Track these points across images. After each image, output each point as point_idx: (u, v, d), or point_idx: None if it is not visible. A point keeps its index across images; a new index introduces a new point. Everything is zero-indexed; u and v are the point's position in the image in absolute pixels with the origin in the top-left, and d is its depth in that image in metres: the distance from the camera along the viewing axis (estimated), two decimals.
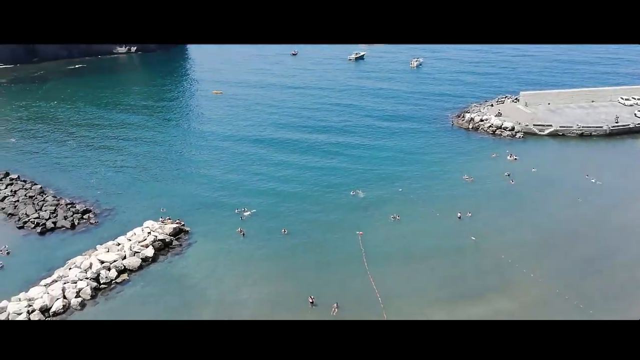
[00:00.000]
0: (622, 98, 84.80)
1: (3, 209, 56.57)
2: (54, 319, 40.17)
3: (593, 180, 59.47)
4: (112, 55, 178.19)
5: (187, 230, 51.79)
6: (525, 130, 75.84)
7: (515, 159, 66.39)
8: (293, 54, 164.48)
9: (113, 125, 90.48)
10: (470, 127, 79.27)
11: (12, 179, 64.18)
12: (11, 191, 60.43)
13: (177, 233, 51.09)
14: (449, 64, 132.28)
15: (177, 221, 52.60)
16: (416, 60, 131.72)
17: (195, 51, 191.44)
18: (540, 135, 75.10)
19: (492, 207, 54.59)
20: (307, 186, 60.01)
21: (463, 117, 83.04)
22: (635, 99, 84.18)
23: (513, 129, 75.99)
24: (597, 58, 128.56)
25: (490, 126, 77.52)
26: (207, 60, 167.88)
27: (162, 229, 50.72)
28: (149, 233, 49.97)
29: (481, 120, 79.25)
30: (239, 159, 69.98)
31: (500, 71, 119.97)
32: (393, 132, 78.88)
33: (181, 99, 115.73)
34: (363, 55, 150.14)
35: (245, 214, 53.79)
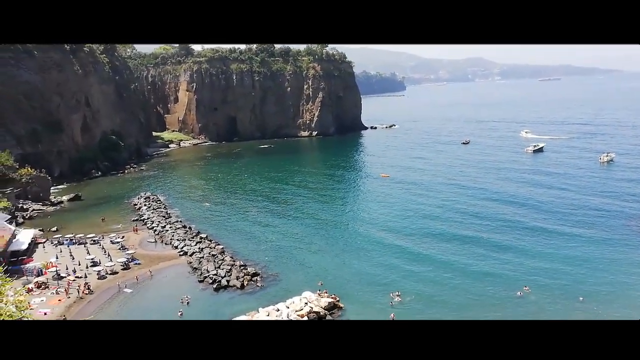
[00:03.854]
0: None
1: (190, 263, 64.99)
2: None
3: None
4: (296, 138, 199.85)
5: (341, 307, 52.20)
6: None
7: None
8: (464, 143, 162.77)
9: (288, 199, 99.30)
10: None
11: (201, 238, 74.03)
12: (199, 248, 69.39)
13: (332, 308, 51.82)
14: None
15: (333, 296, 53.55)
16: (606, 156, 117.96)
17: (368, 135, 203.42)
18: None
19: None
20: (465, 279, 56.13)
21: None
22: None
23: None
24: None
25: None
26: (378, 143, 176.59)
27: (317, 302, 52.10)
28: (306, 304, 51.69)
29: None
30: (399, 244, 69.56)
31: None
32: (575, 231, 70.23)
33: (351, 179, 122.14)
34: (542, 147, 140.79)
35: (397, 299, 52.28)
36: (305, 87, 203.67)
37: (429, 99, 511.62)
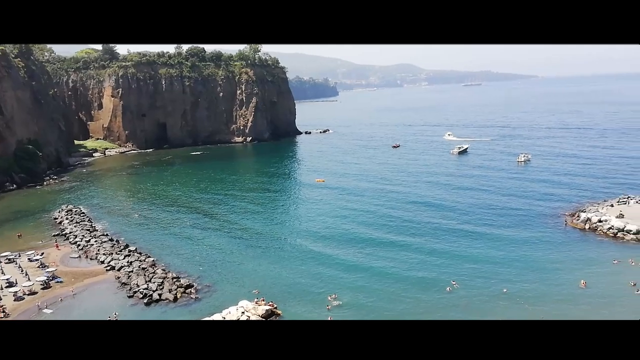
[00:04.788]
0: None
1: (118, 277, 61.77)
2: None
3: None
4: (230, 144, 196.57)
5: (279, 314, 51.86)
6: None
7: None
8: (395, 147, 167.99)
9: (221, 209, 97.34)
10: (587, 227, 72.42)
11: (130, 251, 70.61)
12: (128, 262, 66.14)
13: (269, 315, 51.35)
14: (561, 161, 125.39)
15: (270, 303, 53.09)
16: (524, 156, 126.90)
17: (303, 140, 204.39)
18: None
19: (614, 318, 47.55)
20: (397, 282, 57.57)
21: (578, 216, 76.49)
22: None
23: (638, 232, 67.93)
24: None
25: (610, 228, 70.16)
26: (312, 148, 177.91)
27: (255, 310, 51.41)
28: (243, 313, 50.84)
29: (599, 221, 72.23)
30: (333, 251, 70.30)
31: (621, 169, 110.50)
32: (497, 230, 74.65)
33: (286, 185, 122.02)
34: (466, 148, 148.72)
35: (335, 303, 52.79)
36: (239, 92, 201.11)
37: (361, 104, 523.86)
